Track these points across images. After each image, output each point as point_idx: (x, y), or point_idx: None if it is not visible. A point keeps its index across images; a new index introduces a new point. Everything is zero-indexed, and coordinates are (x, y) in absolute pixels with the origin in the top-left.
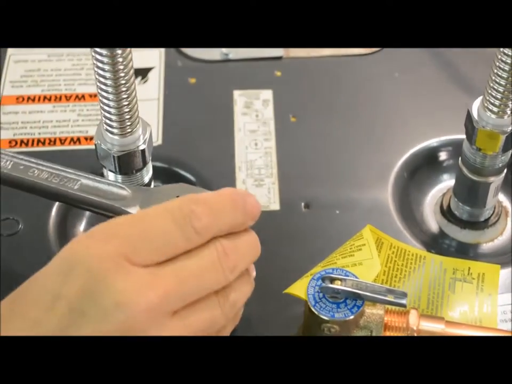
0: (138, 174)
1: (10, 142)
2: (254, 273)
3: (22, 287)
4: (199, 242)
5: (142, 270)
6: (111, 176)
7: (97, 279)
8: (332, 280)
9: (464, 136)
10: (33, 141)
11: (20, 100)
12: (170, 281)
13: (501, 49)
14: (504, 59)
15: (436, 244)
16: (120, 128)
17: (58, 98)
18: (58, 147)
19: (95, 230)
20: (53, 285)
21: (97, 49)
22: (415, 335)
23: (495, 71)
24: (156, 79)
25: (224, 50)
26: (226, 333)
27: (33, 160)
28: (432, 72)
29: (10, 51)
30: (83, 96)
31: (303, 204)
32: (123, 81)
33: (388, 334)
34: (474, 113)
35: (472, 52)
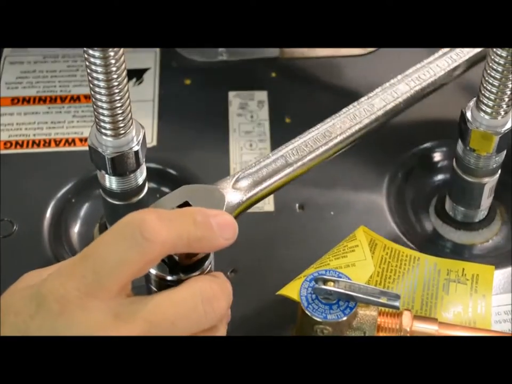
0: (132, 175)
1: (5, 143)
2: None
3: None
4: (154, 249)
5: (107, 308)
6: (106, 177)
7: (61, 322)
8: (325, 281)
9: (458, 137)
10: (28, 142)
11: (15, 101)
12: (139, 326)
13: (494, 49)
14: (497, 59)
15: (431, 244)
16: (113, 129)
17: (53, 100)
18: (53, 148)
19: (60, 269)
20: (22, 320)
21: (90, 50)
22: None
23: (488, 71)
24: (151, 80)
25: (219, 51)
26: None
27: None
28: None
29: (5, 52)
30: (78, 98)
31: (297, 205)
32: (116, 83)
33: (381, 335)
34: (468, 114)
35: None
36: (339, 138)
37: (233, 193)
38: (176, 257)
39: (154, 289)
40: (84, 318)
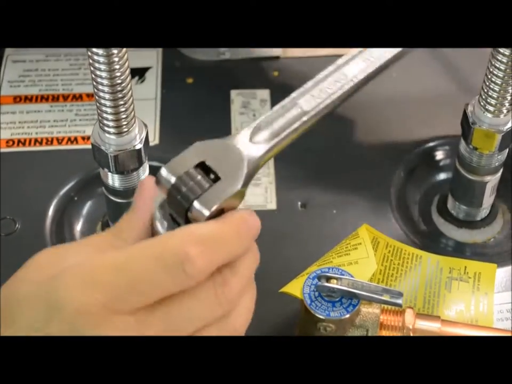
0: (134, 173)
1: (7, 142)
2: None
3: (7, 306)
4: (193, 285)
5: (128, 318)
6: (108, 175)
7: (79, 331)
8: (328, 279)
9: (460, 136)
10: (30, 140)
11: (18, 99)
12: (158, 327)
13: (497, 48)
14: (500, 58)
15: (433, 243)
16: (116, 127)
17: (55, 98)
18: (55, 147)
19: (80, 271)
20: (36, 323)
21: (93, 49)
22: (411, 334)
23: (491, 70)
24: (153, 79)
25: (221, 50)
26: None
27: None
28: (430, 71)
29: (8, 51)
30: (80, 96)
31: (299, 203)
32: (119, 81)
33: (383, 333)
34: (471, 113)
35: (470, 52)
36: (351, 84)
37: (252, 147)
38: None
39: None
40: (106, 330)
